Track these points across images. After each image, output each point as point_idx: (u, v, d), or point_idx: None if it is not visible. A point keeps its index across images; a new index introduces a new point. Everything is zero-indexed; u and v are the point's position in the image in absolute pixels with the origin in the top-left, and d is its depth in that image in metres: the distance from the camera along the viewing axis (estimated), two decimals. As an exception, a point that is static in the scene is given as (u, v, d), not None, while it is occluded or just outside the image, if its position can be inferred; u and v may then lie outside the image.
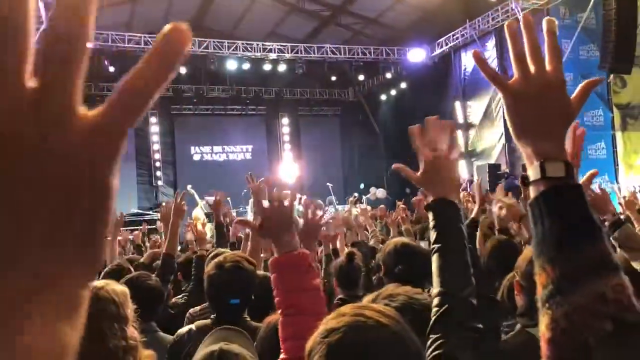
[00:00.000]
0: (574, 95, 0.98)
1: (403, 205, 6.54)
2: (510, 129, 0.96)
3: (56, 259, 0.34)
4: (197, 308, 3.28)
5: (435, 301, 1.45)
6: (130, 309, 1.87)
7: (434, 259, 1.50)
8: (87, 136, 0.34)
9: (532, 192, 0.91)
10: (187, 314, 3.28)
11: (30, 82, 0.33)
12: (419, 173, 1.60)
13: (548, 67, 0.94)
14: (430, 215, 1.55)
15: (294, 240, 1.57)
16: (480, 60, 1.01)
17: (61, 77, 0.33)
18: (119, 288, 1.91)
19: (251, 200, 15.05)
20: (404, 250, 3.03)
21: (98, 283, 1.87)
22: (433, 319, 1.43)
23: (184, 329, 2.59)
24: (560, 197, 0.88)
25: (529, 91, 0.94)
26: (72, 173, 0.34)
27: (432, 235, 1.53)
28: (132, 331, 1.83)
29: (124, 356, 1.75)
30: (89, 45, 0.34)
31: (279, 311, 1.50)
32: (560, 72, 0.95)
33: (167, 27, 0.37)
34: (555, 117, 0.94)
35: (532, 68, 0.94)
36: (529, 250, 2.38)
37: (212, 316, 2.62)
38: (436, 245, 1.50)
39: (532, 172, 0.92)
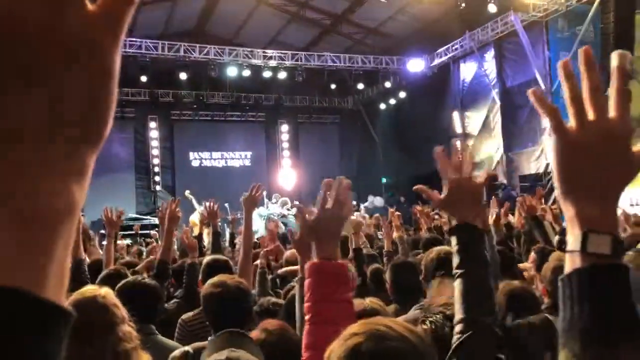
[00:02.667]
0: (638, 147, 0.79)
1: (398, 213, 6.55)
2: (556, 184, 0.80)
3: (62, 128, 0.40)
4: (190, 314, 3.26)
5: (458, 328, 1.43)
6: (123, 312, 1.86)
7: (457, 284, 1.47)
8: (93, 21, 0.40)
9: (567, 265, 0.78)
10: (180, 320, 3.27)
11: None
12: (442, 195, 1.56)
13: (613, 113, 0.78)
14: (454, 240, 1.53)
15: (337, 248, 1.53)
16: (540, 99, 0.83)
17: None
18: (108, 293, 1.91)
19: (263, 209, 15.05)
20: (446, 257, 3.07)
21: (86, 290, 1.89)
22: (455, 345, 1.42)
23: (178, 352, 2.52)
24: (598, 282, 0.74)
25: (586, 141, 0.77)
26: (79, 51, 0.40)
27: (455, 260, 1.50)
28: (130, 332, 1.83)
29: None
30: None
31: (307, 317, 1.47)
32: (627, 121, 0.78)
33: None
34: (614, 176, 0.78)
35: (591, 114, 0.78)
36: (553, 259, 2.50)
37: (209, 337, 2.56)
38: (459, 271, 1.48)
39: (571, 241, 0.77)
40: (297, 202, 15.54)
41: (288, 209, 15.21)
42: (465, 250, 1.48)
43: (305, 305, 1.48)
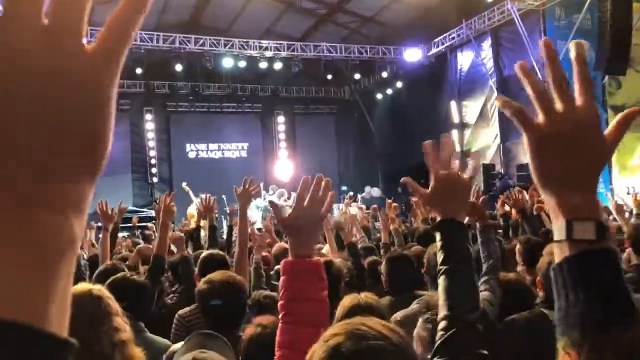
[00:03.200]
0: (608, 131, 0.82)
1: (395, 204, 6.53)
2: (534, 177, 0.82)
3: (63, 156, 0.41)
4: (187, 309, 3.26)
5: (442, 324, 1.42)
6: (116, 307, 1.86)
7: (441, 280, 1.46)
8: (90, 60, 0.42)
9: (556, 254, 0.80)
10: (177, 315, 3.27)
11: (45, 19, 0.41)
12: (428, 190, 1.55)
13: (578, 101, 0.79)
14: (438, 236, 1.51)
15: (313, 247, 1.53)
16: (505, 104, 0.84)
17: (69, 13, 0.42)
18: (100, 288, 1.91)
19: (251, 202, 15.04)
20: None
21: (78, 287, 1.89)
22: (438, 342, 1.41)
23: (177, 345, 2.54)
24: (588, 267, 0.76)
25: (556, 132, 0.79)
26: (78, 89, 0.42)
27: (439, 256, 1.49)
28: (121, 329, 1.82)
29: (113, 352, 1.75)
30: None
31: (280, 316, 1.46)
32: (593, 107, 0.79)
33: None
34: (588, 163, 0.80)
35: (558, 105, 0.80)
36: (547, 252, 2.47)
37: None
38: (443, 267, 1.47)
39: (557, 231, 0.79)
40: (293, 194, 15.55)
41: (285, 200, 15.18)
42: (449, 247, 1.47)
43: (279, 303, 1.47)
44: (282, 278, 1.47)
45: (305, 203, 1.49)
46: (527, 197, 5.89)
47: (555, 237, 0.79)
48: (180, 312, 3.28)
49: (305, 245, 1.48)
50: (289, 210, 1.51)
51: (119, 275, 3.04)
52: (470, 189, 1.59)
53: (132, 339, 1.86)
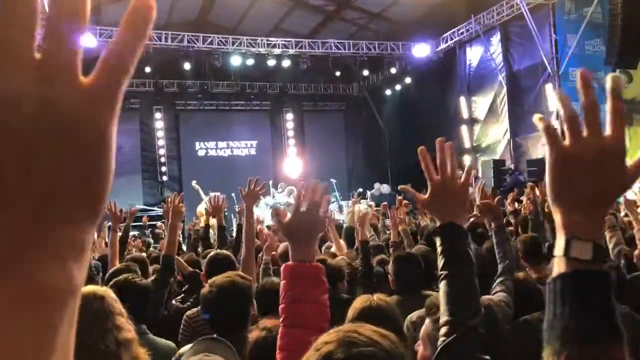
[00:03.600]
0: (632, 164, 0.84)
1: (405, 201, 6.49)
2: (548, 192, 0.85)
3: (58, 198, 0.38)
4: (194, 310, 3.25)
5: (443, 330, 1.42)
6: (121, 308, 1.88)
7: (441, 285, 1.46)
8: (87, 94, 0.39)
9: (554, 268, 0.83)
10: (185, 317, 3.26)
11: (37, 54, 0.38)
12: (426, 196, 1.53)
13: (608, 131, 0.83)
14: (438, 241, 1.50)
15: (313, 251, 1.53)
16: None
17: (62, 47, 0.39)
18: (105, 290, 1.93)
19: (257, 208, 15.06)
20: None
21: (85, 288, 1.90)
22: (440, 347, 1.41)
23: (185, 348, 2.55)
24: (579, 286, 0.79)
25: (578, 156, 0.82)
26: (75, 126, 0.39)
27: (440, 261, 1.48)
28: (125, 329, 1.83)
29: (117, 353, 1.76)
30: (87, 17, 0.40)
31: (281, 319, 1.47)
32: (622, 139, 0.82)
33: None
34: (605, 189, 0.83)
35: (585, 131, 0.83)
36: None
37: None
38: (443, 272, 1.45)
39: (557, 246, 0.83)
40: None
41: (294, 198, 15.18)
42: (449, 251, 1.46)
43: (280, 307, 1.48)
44: (282, 282, 1.49)
45: (303, 208, 1.50)
46: (538, 193, 5.86)
47: (555, 252, 0.82)
48: (188, 313, 3.28)
49: (305, 249, 1.50)
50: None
51: (120, 277, 3.05)
52: (467, 191, 1.56)
53: (136, 339, 1.88)
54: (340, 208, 16.76)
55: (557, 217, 0.84)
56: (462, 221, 1.51)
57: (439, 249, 1.49)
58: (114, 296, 1.91)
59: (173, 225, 3.69)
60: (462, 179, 1.54)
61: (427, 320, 1.89)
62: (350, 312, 2.21)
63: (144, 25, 0.43)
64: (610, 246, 3.96)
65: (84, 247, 0.40)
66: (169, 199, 4.05)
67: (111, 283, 2.84)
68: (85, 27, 0.41)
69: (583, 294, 0.79)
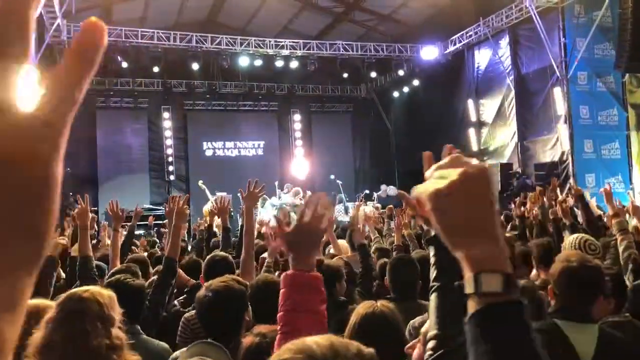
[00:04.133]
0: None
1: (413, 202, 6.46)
2: (445, 241, 0.84)
3: None
4: (193, 313, 3.23)
5: (430, 344, 1.37)
6: (116, 311, 1.90)
7: (432, 297, 1.39)
8: (30, 127, 0.35)
9: (469, 308, 0.82)
10: (183, 319, 3.27)
11: None
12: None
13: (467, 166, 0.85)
14: (431, 251, 1.43)
15: (313, 261, 1.53)
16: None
17: None
18: (104, 291, 1.95)
19: (266, 201, 15.08)
20: None
21: (82, 288, 1.93)
22: None
23: (178, 353, 2.53)
24: (494, 321, 0.78)
25: (448, 190, 0.82)
26: (11, 165, 0.35)
27: (432, 272, 1.41)
28: (118, 332, 1.85)
29: (107, 355, 1.77)
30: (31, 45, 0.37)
31: (279, 327, 1.47)
32: (477, 165, 0.84)
33: (83, 22, 0.39)
34: (480, 216, 0.82)
35: (452, 176, 0.84)
36: (560, 259, 2.39)
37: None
38: (435, 284, 1.39)
39: (467, 285, 0.81)
40: (309, 192, 15.51)
41: (300, 199, 15.17)
42: (442, 262, 1.38)
43: (279, 314, 1.49)
44: (282, 290, 1.49)
45: (306, 218, 1.50)
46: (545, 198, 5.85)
47: (466, 291, 0.81)
48: (187, 315, 3.29)
49: (305, 259, 1.50)
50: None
51: (113, 278, 3.07)
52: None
53: (126, 345, 1.88)
54: (347, 209, 16.75)
55: (461, 256, 0.82)
56: None
57: (432, 259, 1.43)
58: (109, 299, 1.91)
59: (177, 226, 3.69)
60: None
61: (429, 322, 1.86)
62: (353, 317, 2.21)
63: (94, 53, 0.39)
64: (621, 249, 3.92)
65: (20, 300, 0.35)
66: (173, 199, 4.06)
67: (104, 284, 2.86)
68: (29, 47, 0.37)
69: (499, 328, 0.77)
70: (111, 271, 3.70)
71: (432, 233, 1.41)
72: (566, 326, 2.23)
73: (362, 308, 2.26)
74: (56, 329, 1.72)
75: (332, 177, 17.07)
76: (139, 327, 2.80)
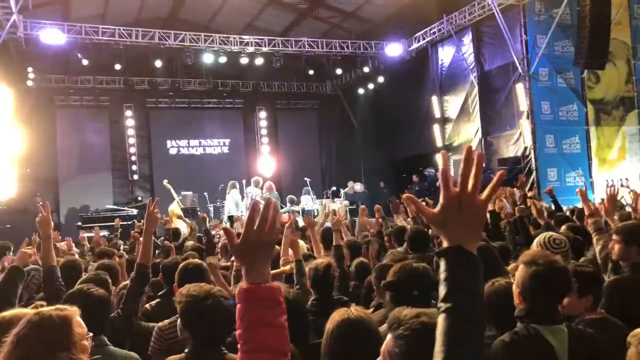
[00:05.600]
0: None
1: (378, 206, 6.50)
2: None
3: None
4: (167, 322, 3.19)
5: None
6: (73, 332, 1.85)
7: (440, 320, 1.23)
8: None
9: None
10: (156, 329, 3.20)
11: None
12: (436, 209, 1.32)
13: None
14: (442, 265, 1.28)
15: (268, 271, 1.43)
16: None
17: None
18: (59, 312, 1.89)
19: (229, 196, 14.94)
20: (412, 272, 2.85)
21: (33, 310, 1.90)
22: None
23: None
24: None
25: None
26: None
27: (441, 289, 1.26)
28: (69, 355, 1.81)
29: None
30: None
31: (239, 345, 1.39)
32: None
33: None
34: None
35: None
36: (525, 259, 2.37)
37: (185, 350, 2.53)
38: (444, 305, 1.23)
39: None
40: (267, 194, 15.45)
41: (265, 191, 15.08)
42: (453, 280, 1.25)
43: (237, 332, 1.41)
44: (237, 306, 1.41)
45: (255, 227, 1.40)
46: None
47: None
48: (160, 325, 3.21)
49: (259, 271, 1.41)
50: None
51: (75, 289, 2.97)
52: (485, 215, 1.37)
53: None
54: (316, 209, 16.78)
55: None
56: (473, 247, 1.29)
57: (441, 275, 1.28)
58: (57, 324, 1.87)
59: (148, 231, 3.60)
60: (484, 195, 1.33)
61: (389, 337, 1.74)
62: (329, 324, 2.16)
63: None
64: (598, 249, 3.98)
65: None
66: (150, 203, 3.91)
67: (65, 295, 2.77)
68: None
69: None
70: (80, 280, 3.57)
71: (445, 245, 1.30)
72: (543, 330, 2.22)
73: (337, 314, 2.22)
74: (10, 351, 1.75)
75: (308, 180, 17.00)
76: (105, 339, 2.72)
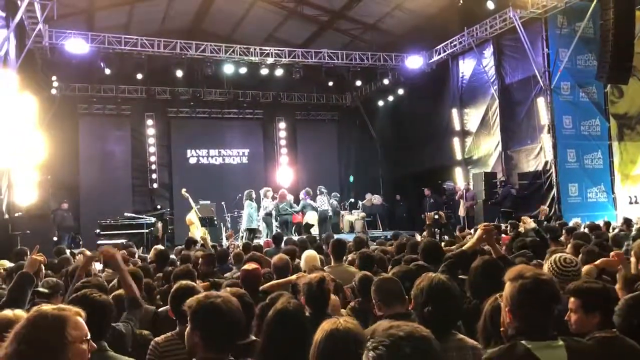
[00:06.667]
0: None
1: None
2: None
3: None
4: (163, 337, 3.21)
5: None
6: (70, 335, 1.84)
7: None
8: None
9: None
10: (152, 342, 3.20)
11: None
12: None
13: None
14: None
15: None
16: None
17: None
18: (56, 312, 1.89)
19: (246, 205, 14.95)
20: (438, 288, 2.79)
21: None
22: None
23: None
24: None
25: None
26: None
27: None
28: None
29: None
30: None
31: None
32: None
33: None
34: None
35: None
36: (511, 276, 2.29)
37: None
38: None
39: None
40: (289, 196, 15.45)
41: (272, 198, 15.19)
42: None
43: None
44: None
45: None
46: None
47: None
48: (157, 339, 3.22)
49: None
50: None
51: (79, 293, 2.97)
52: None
53: None
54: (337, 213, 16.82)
55: None
56: None
57: None
58: (75, 320, 1.88)
59: (115, 268, 3.66)
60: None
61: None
62: (318, 334, 2.10)
63: None
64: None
65: None
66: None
67: (68, 300, 2.77)
68: None
69: None
70: (75, 286, 3.61)
71: None
72: (535, 347, 2.14)
73: (327, 324, 2.17)
74: (6, 347, 1.78)
75: (324, 189, 17.04)
76: (105, 344, 2.71)
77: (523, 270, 2.26)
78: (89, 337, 1.93)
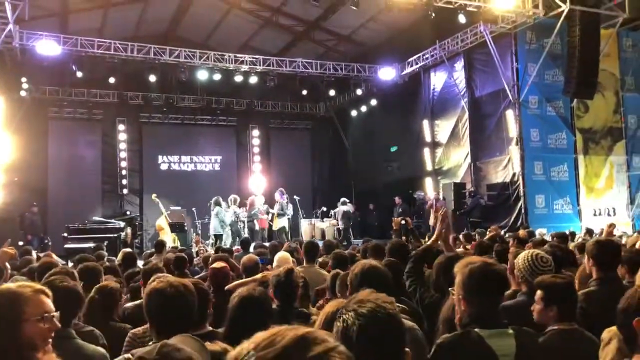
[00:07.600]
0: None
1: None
2: None
3: None
4: (141, 329, 3.14)
5: None
6: (26, 312, 1.83)
7: None
8: None
9: None
10: (130, 334, 3.16)
11: None
12: None
13: None
14: None
15: None
16: None
17: None
18: (12, 289, 1.90)
19: (213, 213, 14.89)
20: (370, 271, 3.00)
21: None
22: None
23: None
24: None
25: None
26: None
27: None
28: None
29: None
30: None
31: None
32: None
33: None
34: None
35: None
36: (461, 266, 2.37)
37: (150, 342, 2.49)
38: None
39: None
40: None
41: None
42: None
43: None
44: None
45: None
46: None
47: None
48: (134, 331, 3.18)
49: None
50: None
51: (45, 281, 2.95)
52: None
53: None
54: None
55: None
56: None
57: None
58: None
59: None
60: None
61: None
62: (322, 316, 2.13)
63: None
64: None
65: None
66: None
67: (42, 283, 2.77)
68: None
69: None
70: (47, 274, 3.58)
71: None
72: (487, 335, 2.19)
73: (329, 307, 2.21)
74: None
75: (297, 198, 17.09)
76: (72, 332, 2.70)
77: (472, 259, 2.35)
78: (50, 316, 1.88)
